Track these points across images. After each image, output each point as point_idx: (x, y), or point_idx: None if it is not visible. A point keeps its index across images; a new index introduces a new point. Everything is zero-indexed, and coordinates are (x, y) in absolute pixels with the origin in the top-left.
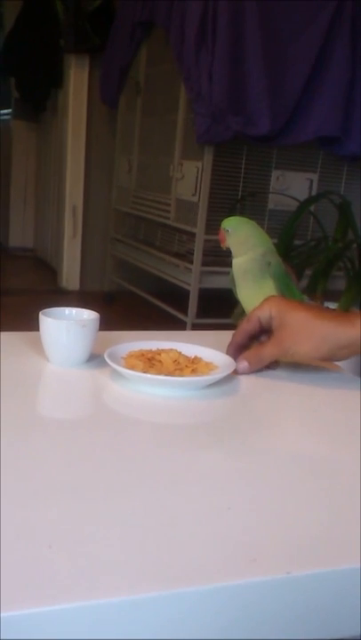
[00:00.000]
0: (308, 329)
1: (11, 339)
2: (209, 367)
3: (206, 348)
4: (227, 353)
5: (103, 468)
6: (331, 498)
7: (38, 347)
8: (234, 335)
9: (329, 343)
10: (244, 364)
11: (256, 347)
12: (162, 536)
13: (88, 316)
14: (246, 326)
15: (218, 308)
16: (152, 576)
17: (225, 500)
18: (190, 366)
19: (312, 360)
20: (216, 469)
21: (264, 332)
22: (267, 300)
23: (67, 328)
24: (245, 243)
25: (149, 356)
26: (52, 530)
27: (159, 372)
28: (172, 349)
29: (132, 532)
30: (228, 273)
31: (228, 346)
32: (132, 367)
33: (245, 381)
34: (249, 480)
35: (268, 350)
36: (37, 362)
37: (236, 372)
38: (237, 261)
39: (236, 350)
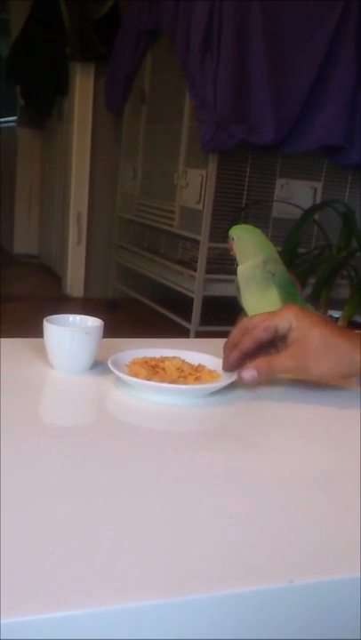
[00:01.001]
0: (330, 349)
1: (15, 345)
2: (212, 375)
3: (210, 356)
4: (227, 356)
5: (106, 475)
6: (333, 506)
7: (42, 353)
8: (234, 336)
9: (345, 367)
10: (252, 373)
11: (268, 357)
12: (164, 544)
13: (92, 323)
14: (262, 335)
15: (222, 316)
16: (154, 584)
17: (227, 507)
18: (194, 374)
19: (321, 380)
20: (218, 477)
21: (272, 343)
22: (285, 309)
23: (71, 335)
24: (247, 250)
25: (153, 363)
26: (54, 536)
27: (162, 380)
28: (175, 357)
29: (134, 539)
30: (232, 281)
31: (228, 348)
32: (135, 374)
33: (249, 389)
34: (251, 488)
35: (283, 362)
36: (41, 369)
37: (241, 380)
38: (240, 269)
39: (241, 357)
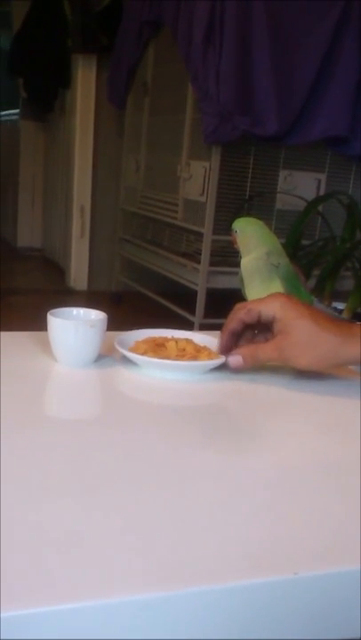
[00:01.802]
0: (313, 342)
1: (19, 339)
2: (211, 357)
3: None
4: (221, 343)
5: (108, 468)
6: (338, 497)
7: (47, 347)
8: (228, 320)
9: (331, 360)
10: (237, 359)
11: (254, 345)
12: (168, 536)
13: (96, 316)
14: (245, 317)
15: (226, 309)
16: (158, 576)
17: (232, 499)
18: (193, 354)
19: (313, 370)
20: (223, 470)
21: (260, 326)
22: (272, 297)
23: (75, 328)
24: (250, 243)
25: (160, 342)
26: (56, 529)
27: (163, 358)
28: (187, 339)
29: (138, 532)
30: (235, 273)
31: (223, 332)
32: (139, 350)
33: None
34: (257, 479)
35: (267, 353)
36: (45, 362)
37: (227, 365)
38: (244, 261)
39: (230, 337)
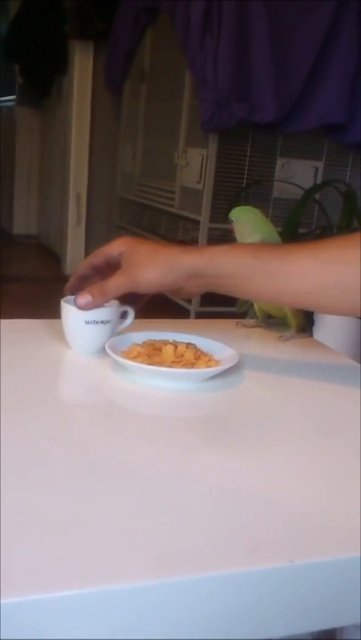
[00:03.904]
0: (155, 257)
1: (34, 326)
2: (209, 365)
3: (224, 345)
4: (68, 284)
5: (108, 455)
6: (333, 486)
7: (61, 335)
8: (78, 267)
9: (174, 271)
10: (86, 298)
11: (101, 281)
12: (164, 524)
13: (109, 304)
14: (92, 259)
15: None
16: (154, 564)
17: (227, 488)
18: (190, 361)
19: (158, 289)
20: (219, 459)
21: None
22: (117, 238)
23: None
24: (244, 230)
25: (158, 346)
26: (55, 517)
27: (158, 363)
28: (189, 343)
29: (134, 519)
30: None
31: (71, 279)
32: (128, 353)
33: (248, 375)
34: (251, 469)
35: (114, 280)
36: (58, 350)
37: (77, 306)
38: None
39: (77, 280)
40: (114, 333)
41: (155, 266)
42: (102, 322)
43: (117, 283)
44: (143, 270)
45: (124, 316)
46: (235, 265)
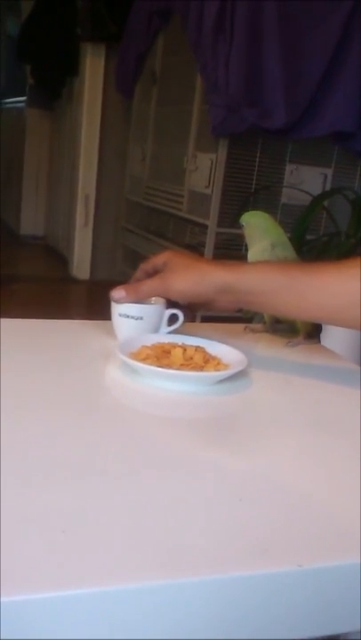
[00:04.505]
0: (188, 268)
1: (40, 325)
2: (217, 368)
3: (233, 350)
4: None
5: (116, 456)
6: (341, 490)
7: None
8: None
9: (204, 283)
10: (120, 293)
11: (140, 281)
12: (174, 526)
13: (155, 300)
14: (144, 266)
15: None
16: (163, 565)
17: (236, 491)
18: (199, 364)
19: (188, 298)
20: (227, 461)
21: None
22: (164, 251)
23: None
24: (254, 234)
25: (167, 348)
26: (66, 515)
27: (164, 365)
28: (198, 346)
29: (144, 521)
30: None
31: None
32: (137, 355)
33: (256, 380)
34: (259, 472)
35: (149, 282)
36: (67, 350)
37: (111, 299)
38: (250, 254)
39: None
40: (152, 331)
41: (186, 276)
42: (133, 317)
43: (151, 285)
44: (176, 279)
45: (173, 320)
46: (264, 281)
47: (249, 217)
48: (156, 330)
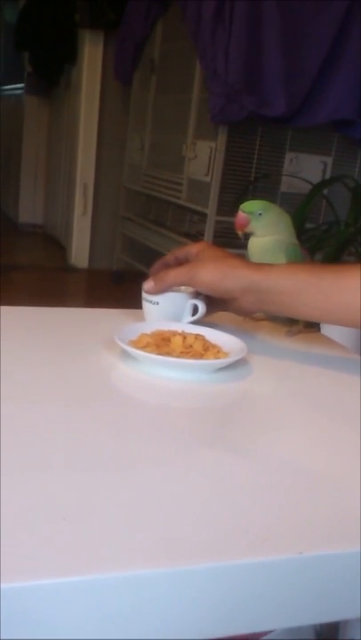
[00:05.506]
0: (217, 261)
1: (36, 313)
2: (217, 356)
3: (233, 337)
4: (153, 267)
5: (115, 444)
6: (344, 478)
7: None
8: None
9: (230, 278)
10: (149, 284)
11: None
12: (174, 514)
13: (185, 289)
14: (176, 251)
15: None
16: (164, 553)
17: (236, 479)
18: (199, 352)
19: (212, 291)
20: (227, 449)
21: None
22: (199, 242)
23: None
24: (275, 224)
25: (166, 336)
26: (67, 503)
27: (163, 353)
28: (197, 334)
29: (145, 508)
30: (239, 255)
31: (157, 263)
32: (137, 342)
33: (256, 368)
34: (260, 460)
35: (176, 270)
36: (68, 338)
37: (144, 290)
38: (261, 240)
39: (161, 266)
40: (172, 318)
41: (214, 268)
42: (151, 302)
43: (178, 272)
44: (203, 269)
45: (196, 311)
46: (289, 280)
47: (267, 207)
48: (177, 318)
